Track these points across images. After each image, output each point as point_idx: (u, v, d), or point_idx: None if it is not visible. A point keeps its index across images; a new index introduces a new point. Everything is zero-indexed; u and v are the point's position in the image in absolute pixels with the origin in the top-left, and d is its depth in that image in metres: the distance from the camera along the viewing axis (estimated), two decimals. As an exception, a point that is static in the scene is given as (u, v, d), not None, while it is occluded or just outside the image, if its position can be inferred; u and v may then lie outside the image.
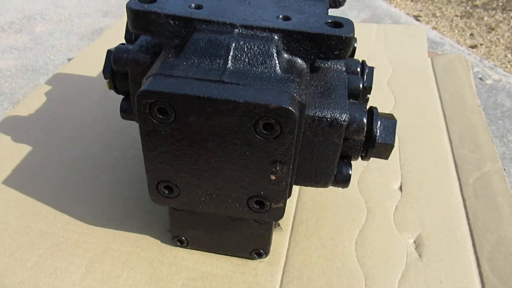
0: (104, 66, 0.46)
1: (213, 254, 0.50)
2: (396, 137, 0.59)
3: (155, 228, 0.52)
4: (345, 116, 0.38)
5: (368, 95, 0.49)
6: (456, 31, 2.19)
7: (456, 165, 0.65)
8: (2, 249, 0.48)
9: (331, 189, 0.52)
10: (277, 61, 0.37)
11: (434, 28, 2.20)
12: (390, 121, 0.42)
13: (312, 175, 0.42)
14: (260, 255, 0.50)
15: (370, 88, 0.48)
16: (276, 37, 0.37)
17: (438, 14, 2.36)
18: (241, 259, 0.50)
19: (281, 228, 0.54)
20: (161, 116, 0.35)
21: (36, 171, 0.58)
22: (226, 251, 0.51)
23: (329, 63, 0.44)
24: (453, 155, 0.67)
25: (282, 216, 0.41)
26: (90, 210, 0.54)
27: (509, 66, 1.88)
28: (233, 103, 0.33)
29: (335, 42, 0.37)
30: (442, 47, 1.92)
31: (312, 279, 0.48)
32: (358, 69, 0.47)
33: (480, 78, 1.68)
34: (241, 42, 0.37)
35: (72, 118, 0.67)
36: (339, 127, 0.38)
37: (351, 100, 0.42)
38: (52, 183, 0.57)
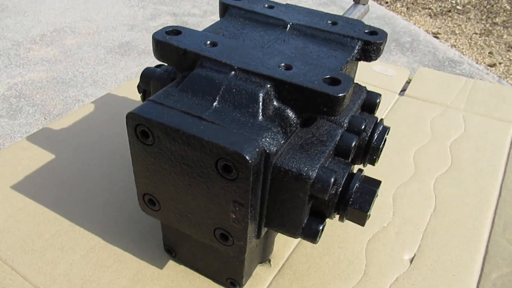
0: (139, 82, 0.52)
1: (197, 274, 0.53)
2: (433, 202, 0.61)
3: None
4: (311, 173, 0.37)
5: (376, 156, 0.47)
6: (475, 49, 2.21)
7: (486, 252, 0.56)
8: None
9: (336, 240, 0.56)
10: (260, 107, 0.38)
11: (453, 45, 2.22)
12: (370, 188, 0.41)
13: (281, 223, 0.42)
14: (234, 285, 0.50)
15: (379, 148, 0.47)
16: (268, 85, 0.39)
17: (457, 32, 2.38)
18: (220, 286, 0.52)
19: (270, 265, 0.54)
20: (143, 138, 0.38)
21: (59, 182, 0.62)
22: (206, 274, 0.52)
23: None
24: (488, 241, 0.58)
25: (243, 254, 0.41)
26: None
27: (528, 85, 1.89)
28: (198, 139, 0.35)
29: (324, 99, 0.37)
30: (460, 66, 1.94)
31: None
32: (363, 127, 0.45)
33: (498, 99, 1.70)
34: (232, 84, 0.39)
35: (104, 141, 0.71)
36: (303, 183, 0.38)
37: (337, 158, 0.41)
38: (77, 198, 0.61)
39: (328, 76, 0.39)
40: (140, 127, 0.38)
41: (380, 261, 0.54)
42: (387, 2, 2.72)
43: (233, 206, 0.38)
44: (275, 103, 0.39)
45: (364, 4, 0.78)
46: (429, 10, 2.64)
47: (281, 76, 0.39)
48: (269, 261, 0.54)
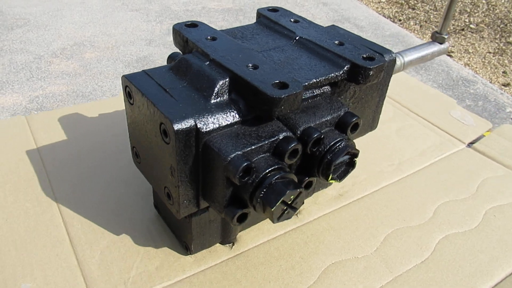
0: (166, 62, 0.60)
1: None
2: (426, 255, 0.58)
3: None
4: (228, 156, 0.41)
5: (328, 171, 0.48)
6: (489, 68, 2.21)
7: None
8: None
9: (302, 251, 0.58)
10: (214, 93, 0.44)
11: (467, 64, 2.23)
12: (282, 188, 0.42)
13: (211, 198, 0.46)
14: (187, 249, 0.56)
15: (331, 164, 0.47)
16: (228, 77, 0.45)
17: (470, 50, 2.39)
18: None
19: (231, 248, 0.57)
20: (128, 97, 0.47)
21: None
22: (174, 233, 0.58)
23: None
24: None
25: (179, 214, 0.47)
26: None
27: (542, 106, 1.89)
28: (153, 105, 0.42)
29: (264, 98, 0.42)
30: (474, 85, 1.95)
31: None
32: (314, 138, 0.46)
33: (513, 119, 1.70)
34: (201, 70, 0.46)
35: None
36: (220, 163, 0.41)
37: (273, 156, 0.44)
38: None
39: (279, 81, 0.44)
40: (127, 88, 0.47)
41: (329, 284, 0.54)
42: (400, 20, 2.75)
43: (170, 169, 0.44)
44: (231, 94, 0.45)
45: (440, 43, 0.75)
46: (443, 29, 2.66)
47: (239, 72, 0.45)
48: (232, 244, 0.58)
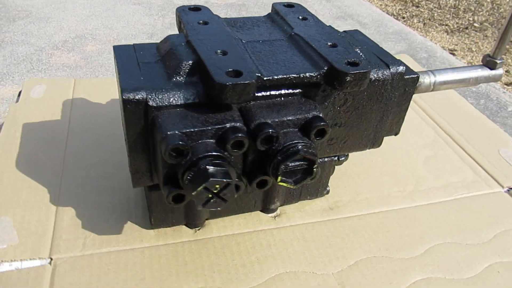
0: None
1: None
2: None
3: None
4: (166, 132, 0.42)
5: (278, 172, 0.47)
6: (492, 67, 2.20)
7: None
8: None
9: (261, 253, 0.57)
10: (176, 72, 0.46)
11: (470, 63, 2.22)
12: (207, 174, 0.42)
13: (156, 170, 0.48)
14: (150, 221, 0.59)
15: (279, 165, 0.46)
16: (193, 60, 0.47)
17: (474, 49, 2.38)
18: None
19: (195, 231, 0.59)
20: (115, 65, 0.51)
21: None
22: (147, 205, 0.61)
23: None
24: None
25: (133, 186, 0.50)
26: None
27: (544, 105, 1.88)
28: (118, 75, 0.45)
29: (212, 84, 0.43)
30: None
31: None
32: (264, 134, 0.45)
33: (514, 118, 1.69)
34: (174, 49, 0.48)
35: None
36: (160, 137, 0.43)
37: (217, 142, 0.44)
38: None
39: (234, 69, 0.44)
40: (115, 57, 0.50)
41: None
42: (403, 17, 2.73)
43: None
44: (194, 76, 0.46)
45: (491, 68, 0.65)
46: (446, 27, 2.64)
47: (204, 55, 0.46)
48: (198, 229, 0.59)
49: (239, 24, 0.58)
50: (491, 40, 2.49)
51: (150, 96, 0.43)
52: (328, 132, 0.48)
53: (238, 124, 0.45)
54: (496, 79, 0.66)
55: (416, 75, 0.55)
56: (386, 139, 0.61)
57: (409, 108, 0.59)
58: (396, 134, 0.62)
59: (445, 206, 0.67)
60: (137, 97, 0.43)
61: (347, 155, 0.63)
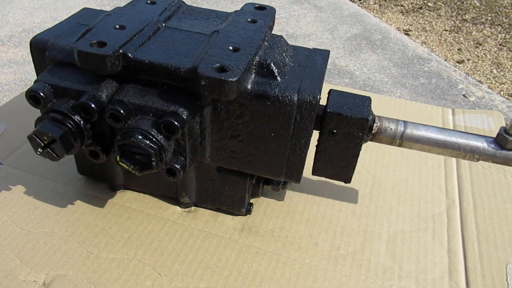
0: None
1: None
2: None
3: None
4: (38, 80, 0.50)
5: (112, 150, 0.51)
6: (445, 46, 2.25)
7: None
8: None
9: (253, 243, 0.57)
10: (83, 37, 0.51)
11: (423, 43, 2.26)
12: (36, 123, 0.49)
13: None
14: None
15: (113, 142, 0.50)
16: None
17: (428, 29, 2.42)
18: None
19: (181, 212, 0.65)
20: None
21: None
22: None
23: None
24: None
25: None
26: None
27: (494, 82, 1.94)
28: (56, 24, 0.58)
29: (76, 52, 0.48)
30: (429, 63, 1.98)
31: None
32: (112, 108, 0.47)
33: (464, 95, 1.74)
34: (95, 19, 0.55)
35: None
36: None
37: (70, 99, 0.49)
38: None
39: (100, 41, 0.48)
40: None
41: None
42: (359, 0, 2.75)
43: None
44: None
45: (502, 146, 0.49)
46: (401, 7, 2.67)
47: (99, 25, 0.52)
48: (186, 207, 0.63)
49: (191, 13, 0.59)
50: (444, 19, 2.54)
51: (50, 45, 0.51)
52: (177, 131, 0.47)
53: (96, 93, 0.48)
54: (507, 161, 0.49)
55: (363, 117, 0.49)
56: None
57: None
58: (345, 182, 0.57)
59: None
60: (38, 43, 0.51)
61: (287, 183, 0.62)
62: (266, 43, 0.53)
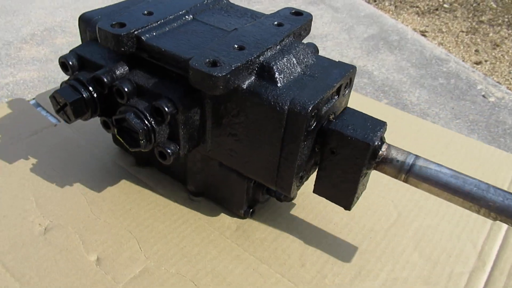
0: None
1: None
2: None
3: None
4: (72, 50, 0.57)
5: (108, 121, 0.54)
6: (462, 47, 2.25)
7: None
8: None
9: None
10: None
11: (440, 44, 2.26)
12: (60, 86, 0.53)
13: None
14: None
15: (109, 116, 0.54)
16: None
17: (444, 30, 2.42)
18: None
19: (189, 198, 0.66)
20: None
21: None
22: None
23: None
24: None
25: None
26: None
27: (512, 83, 1.93)
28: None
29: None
30: (447, 63, 1.98)
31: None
32: (118, 85, 0.51)
33: (483, 96, 1.74)
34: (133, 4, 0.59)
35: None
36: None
37: (93, 71, 0.53)
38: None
39: (120, 22, 0.51)
40: None
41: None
42: (375, 1, 2.75)
43: None
44: None
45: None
46: (417, 9, 2.68)
47: (129, 11, 0.55)
48: (192, 195, 0.65)
49: (228, 10, 0.60)
50: (460, 20, 2.54)
51: (91, 23, 0.56)
52: (166, 117, 0.48)
53: (111, 69, 0.52)
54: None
55: (365, 141, 0.45)
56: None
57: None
58: (345, 208, 0.52)
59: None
60: (84, 20, 0.58)
61: (286, 197, 0.61)
62: (278, 47, 0.51)
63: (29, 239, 0.56)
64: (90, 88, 0.53)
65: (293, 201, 0.66)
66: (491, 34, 2.39)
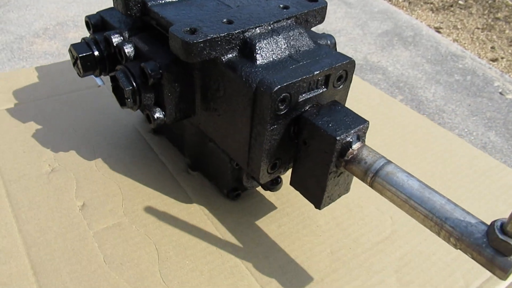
0: None
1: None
2: None
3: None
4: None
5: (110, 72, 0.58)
6: (477, 44, 2.21)
7: None
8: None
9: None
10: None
11: (455, 40, 2.22)
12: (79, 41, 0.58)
13: None
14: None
15: (107, 71, 0.58)
16: None
17: (459, 26, 2.38)
18: None
19: (189, 171, 0.67)
20: None
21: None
22: None
23: None
24: None
25: None
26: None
27: (530, 80, 1.90)
28: None
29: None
30: (463, 60, 1.94)
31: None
32: (120, 46, 0.54)
33: (500, 93, 1.70)
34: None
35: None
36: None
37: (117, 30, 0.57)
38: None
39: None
40: None
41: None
42: (389, -3, 2.72)
43: None
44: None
45: (500, 253, 0.33)
46: (431, 5, 2.64)
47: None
48: (190, 168, 0.66)
49: None
50: (476, 17, 2.50)
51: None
52: (149, 78, 0.50)
53: (121, 31, 0.55)
54: (492, 266, 0.35)
55: (332, 136, 0.43)
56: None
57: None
58: (315, 206, 0.50)
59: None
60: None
61: (275, 185, 0.60)
62: (270, 27, 0.49)
63: (35, 175, 0.64)
64: (101, 47, 0.57)
65: (284, 195, 0.63)
66: (507, 31, 2.35)
